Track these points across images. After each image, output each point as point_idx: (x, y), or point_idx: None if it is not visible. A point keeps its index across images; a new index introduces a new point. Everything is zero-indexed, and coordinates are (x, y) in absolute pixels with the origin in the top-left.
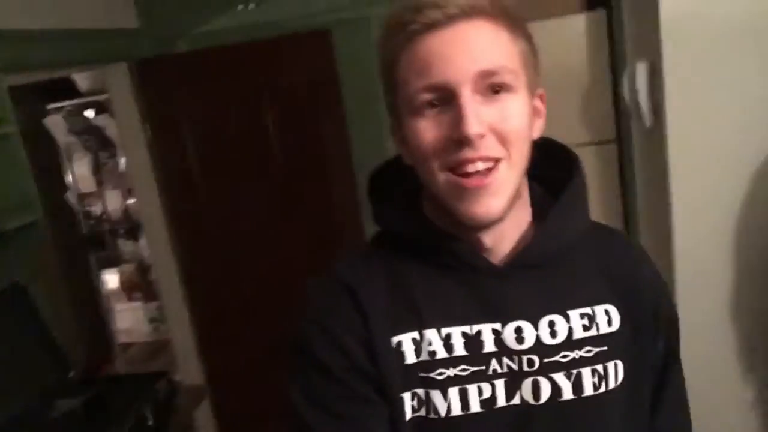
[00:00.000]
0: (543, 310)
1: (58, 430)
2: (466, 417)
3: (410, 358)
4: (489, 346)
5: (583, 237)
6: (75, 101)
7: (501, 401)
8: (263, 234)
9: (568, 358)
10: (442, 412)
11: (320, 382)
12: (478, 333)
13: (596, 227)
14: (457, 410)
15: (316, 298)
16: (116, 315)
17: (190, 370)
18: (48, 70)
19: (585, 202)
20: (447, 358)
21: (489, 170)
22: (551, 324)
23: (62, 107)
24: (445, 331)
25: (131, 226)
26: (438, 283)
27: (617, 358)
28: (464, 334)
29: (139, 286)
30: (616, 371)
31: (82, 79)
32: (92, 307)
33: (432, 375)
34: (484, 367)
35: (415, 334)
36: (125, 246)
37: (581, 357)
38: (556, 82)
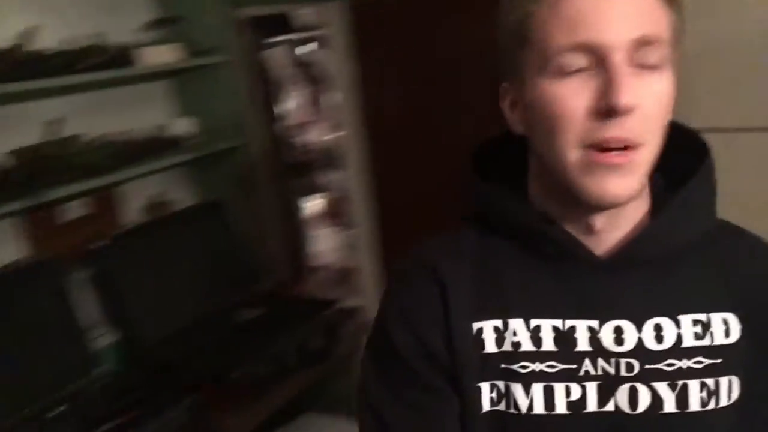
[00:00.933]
0: (650, 311)
1: (235, 334)
2: (550, 418)
3: (490, 347)
4: (583, 344)
5: (707, 236)
6: (292, 36)
7: (592, 406)
8: (456, 179)
9: (673, 367)
10: (523, 408)
11: (392, 364)
12: (572, 329)
13: (725, 227)
14: (539, 408)
15: (398, 278)
16: (312, 240)
17: (373, 301)
18: (271, 5)
19: (712, 196)
20: (533, 352)
21: (628, 148)
22: (658, 327)
23: (280, 41)
24: (534, 322)
25: (333, 159)
26: (532, 270)
27: (732, 374)
28: (555, 329)
29: (336, 214)
30: (729, 388)
31: (299, 16)
32: (290, 230)
33: (514, 367)
34: (575, 367)
35: (498, 323)
36: (326, 176)
37: (689, 368)
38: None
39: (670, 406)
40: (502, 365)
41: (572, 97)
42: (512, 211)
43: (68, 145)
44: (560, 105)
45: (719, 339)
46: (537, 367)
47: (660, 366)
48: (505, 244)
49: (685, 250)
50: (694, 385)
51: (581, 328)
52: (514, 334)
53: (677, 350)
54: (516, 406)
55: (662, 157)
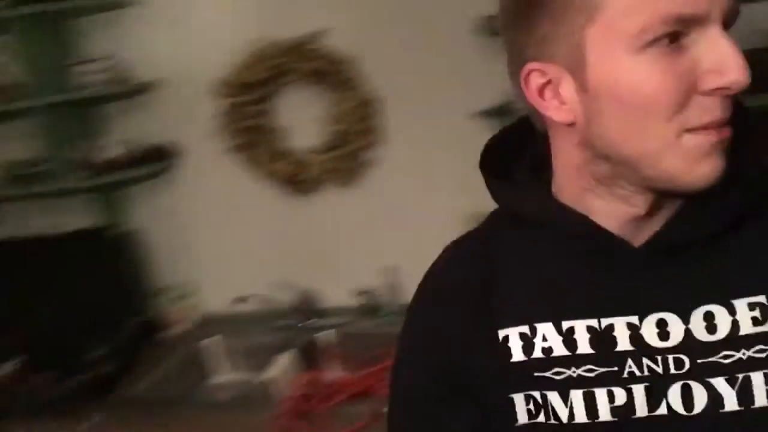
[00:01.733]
0: (697, 298)
1: None
2: (595, 426)
3: (517, 355)
4: (623, 343)
5: (760, 204)
6: None
7: (641, 410)
8: None
9: (731, 359)
10: (563, 418)
11: (409, 375)
12: (609, 327)
13: None
14: (581, 417)
15: (422, 287)
16: None
17: None
18: None
19: (758, 166)
20: (567, 356)
21: (727, 125)
22: (708, 316)
23: None
24: (566, 324)
25: None
26: (561, 269)
27: None
28: (590, 329)
29: None
30: None
31: None
32: None
33: (548, 374)
34: (616, 369)
35: (524, 329)
36: None
37: (750, 358)
38: None
39: (731, 403)
40: (535, 374)
41: (673, 74)
42: (536, 207)
43: None
44: (658, 84)
45: None
46: (573, 372)
47: (715, 359)
48: (529, 243)
49: (734, 224)
50: (757, 378)
51: (620, 325)
52: (544, 339)
53: (734, 340)
54: (556, 416)
55: None
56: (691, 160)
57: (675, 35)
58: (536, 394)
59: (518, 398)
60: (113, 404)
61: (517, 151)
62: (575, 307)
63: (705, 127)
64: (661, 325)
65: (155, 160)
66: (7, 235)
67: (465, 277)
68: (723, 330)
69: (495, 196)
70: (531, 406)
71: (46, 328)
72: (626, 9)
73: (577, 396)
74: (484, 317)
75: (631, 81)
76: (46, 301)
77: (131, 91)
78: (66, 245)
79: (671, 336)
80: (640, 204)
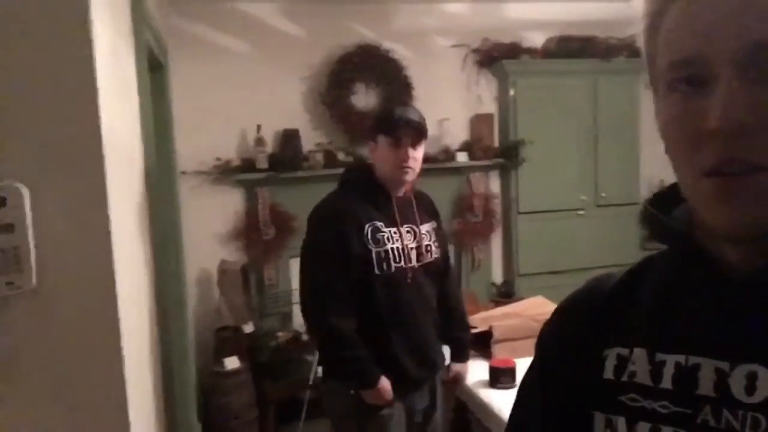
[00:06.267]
0: None
1: None
2: None
3: (608, 373)
4: (705, 387)
5: None
6: None
7: None
8: None
9: None
10: None
11: (528, 376)
12: (695, 367)
13: None
14: None
15: (577, 292)
16: None
17: None
18: None
19: None
20: (648, 387)
21: (753, 172)
22: None
23: None
24: (659, 356)
25: None
26: (676, 299)
27: None
28: (677, 365)
29: None
30: None
31: None
32: None
33: (623, 398)
34: (690, 412)
35: (623, 350)
36: None
37: None
38: None
39: None
40: (619, 397)
41: (680, 118)
42: (665, 235)
43: None
44: (669, 127)
45: None
46: (648, 404)
47: None
48: (662, 273)
49: None
50: None
51: (707, 367)
52: (634, 363)
53: None
54: None
55: None
56: (708, 206)
57: (693, 78)
58: (612, 418)
59: (599, 417)
60: None
61: None
62: (671, 340)
63: (711, 172)
64: (751, 377)
65: None
66: None
67: (591, 297)
68: None
69: (644, 224)
70: (609, 431)
71: None
72: (655, 52)
73: (643, 429)
74: (596, 336)
75: (662, 118)
76: None
77: None
78: None
79: (757, 392)
80: (729, 249)
